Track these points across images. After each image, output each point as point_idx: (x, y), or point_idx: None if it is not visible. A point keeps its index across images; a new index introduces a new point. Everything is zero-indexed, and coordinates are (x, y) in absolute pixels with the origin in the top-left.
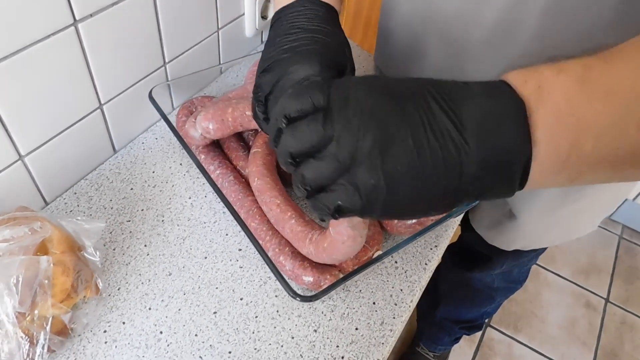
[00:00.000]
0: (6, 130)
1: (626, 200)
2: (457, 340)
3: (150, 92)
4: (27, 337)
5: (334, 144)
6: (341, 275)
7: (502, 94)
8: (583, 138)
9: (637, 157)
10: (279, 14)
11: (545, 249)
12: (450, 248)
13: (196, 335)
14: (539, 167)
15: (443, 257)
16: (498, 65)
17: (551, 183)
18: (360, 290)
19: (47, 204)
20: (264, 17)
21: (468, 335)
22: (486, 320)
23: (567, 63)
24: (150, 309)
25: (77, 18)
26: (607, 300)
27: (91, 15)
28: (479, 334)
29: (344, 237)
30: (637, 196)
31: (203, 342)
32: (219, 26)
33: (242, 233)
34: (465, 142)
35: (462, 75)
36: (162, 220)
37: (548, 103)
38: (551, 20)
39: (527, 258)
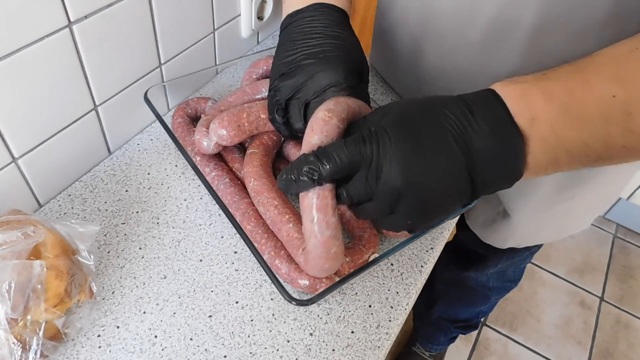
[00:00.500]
0: None
1: (620, 199)
2: (453, 339)
3: (146, 93)
4: (19, 343)
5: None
6: (337, 279)
7: (508, 131)
8: (559, 155)
9: (603, 159)
10: (293, 17)
11: (539, 248)
12: (446, 247)
13: (191, 339)
14: (526, 176)
15: (439, 257)
16: (493, 65)
17: (535, 177)
18: (356, 293)
19: (40, 206)
20: (260, 18)
21: (464, 334)
22: (482, 320)
23: (556, 87)
24: (145, 312)
25: (71, 20)
26: (601, 299)
27: (86, 17)
28: (475, 333)
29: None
30: (631, 195)
31: (198, 346)
32: (215, 27)
33: (238, 236)
34: (474, 172)
35: (457, 74)
36: (157, 223)
37: (537, 133)
38: (546, 20)
39: (521, 257)
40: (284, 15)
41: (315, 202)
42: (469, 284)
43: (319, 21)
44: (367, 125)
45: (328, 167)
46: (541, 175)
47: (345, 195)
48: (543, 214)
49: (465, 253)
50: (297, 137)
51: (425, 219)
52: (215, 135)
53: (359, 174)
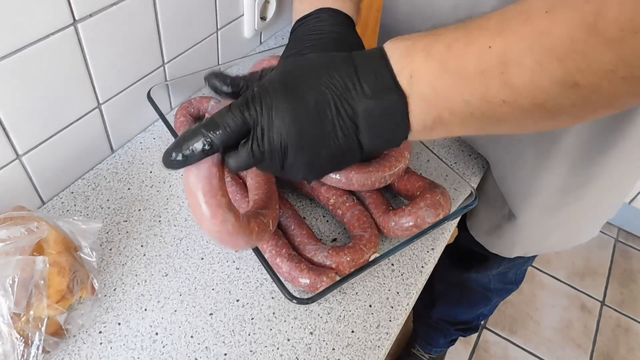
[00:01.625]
0: (4, 129)
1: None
2: (452, 342)
3: (149, 92)
4: (22, 338)
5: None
6: (338, 278)
7: (388, 93)
8: (442, 112)
9: (490, 120)
10: (301, 21)
11: None
12: (448, 249)
13: (192, 336)
14: (412, 136)
15: (440, 257)
16: None
17: (428, 138)
18: (356, 293)
19: (43, 203)
20: (263, 18)
21: (464, 336)
22: (482, 322)
23: (436, 43)
24: (146, 310)
25: (76, 18)
26: (602, 303)
27: (90, 15)
28: (475, 336)
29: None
30: (633, 199)
31: (199, 344)
32: (218, 27)
33: None
34: (359, 136)
35: None
36: (159, 221)
37: (417, 91)
38: None
39: (523, 259)
40: (293, 22)
41: (203, 175)
42: (469, 285)
43: (324, 22)
44: (252, 88)
45: (218, 134)
46: (434, 137)
47: (233, 161)
48: (550, 218)
49: (467, 254)
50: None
51: (315, 174)
52: None
53: (246, 140)
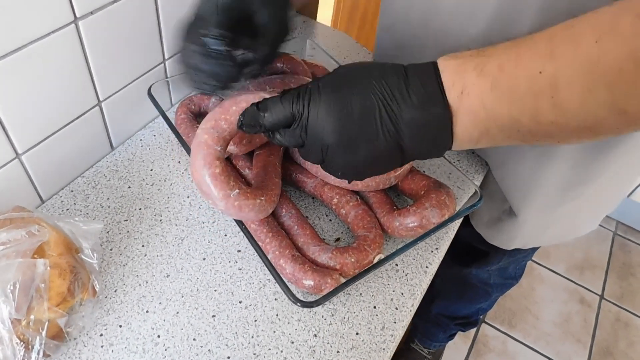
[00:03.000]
0: (3, 128)
1: None
2: (452, 336)
3: (150, 88)
4: (22, 343)
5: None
6: (342, 280)
7: (435, 104)
8: (490, 127)
9: (536, 136)
10: None
11: None
12: None
13: (194, 339)
14: (456, 147)
15: None
16: None
17: (470, 148)
18: (360, 294)
19: (43, 201)
20: None
21: (463, 331)
22: (481, 317)
23: (488, 63)
24: (147, 311)
25: (77, 16)
26: (601, 296)
27: (92, 13)
28: (474, 330)
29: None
30: (631, 193)
31: (201, 347)
32: None
33: (242, 234)
34: (401, 142)
35: None
36: (160, 220)
37: (466, 106)
38: (546, 17)
39: (523, 254)
40: None
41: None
42: (469, 280)
43: None
44: (307, 83)
45: (265, 117)
46: (477, 147)
47: (279, 138)
48: (550, 214)
49: (467, 250)
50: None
51: (354, 175)
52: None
53: (292, 127)
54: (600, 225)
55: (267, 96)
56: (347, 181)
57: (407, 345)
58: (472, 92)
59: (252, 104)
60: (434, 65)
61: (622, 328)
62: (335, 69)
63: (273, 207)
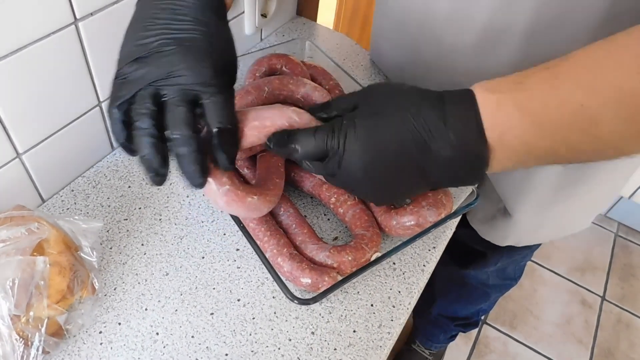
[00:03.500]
0: (4, 128)
1: (622, 198)
2: (453, 337)
3: None
4: (21, 339)
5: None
6: (339, 277)
7: (474, 145)
8: (528, 160)
9: (571, 161)
10: None
11: (539, 245)
12: (447, 244)
13: (193, 336)
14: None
15: None
16: (488, 67)
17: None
18: (358, 292)
19: (43, 201)
20: (263, 15)
21: (464, 332)
22: (482, 318)
23: (530, 99)
24: (146, 309)
25: (77, 17)
26: (603, 298)
27: (92, 14)
28: (475, 331)
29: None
30: (632, 194)
31: (200, 344)
32: None
33: (240, 233)
34: (434, 177)
35: (453, 75)
36: (160, 219)
37: (506, 144)
38: (538, 25)
39: (521, 255)
40: None
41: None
42: (468, 281)
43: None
44: (340, 118)
45: (296, 149)
46: (505, 171)
47: (309, 166)
48: (543, 213)
49: (465, 250)
50: (130, 149)
51: (379, 203)
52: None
53: (325, 161)
54: (601, 226)
55: (296, 117)
56: None
57: (408, 347)
58: (513, 133)
59: (283, 132)
60: (471, 98)
61: (624, 329)
62: (366, 94)
63: (269, 207)
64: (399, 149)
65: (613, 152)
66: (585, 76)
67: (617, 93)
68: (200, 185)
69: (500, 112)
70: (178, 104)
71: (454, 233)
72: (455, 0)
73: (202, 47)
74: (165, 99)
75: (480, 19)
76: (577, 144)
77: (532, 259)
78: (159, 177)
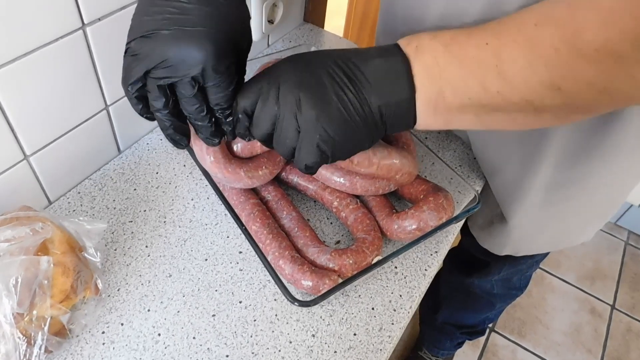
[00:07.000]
0: (12, 130)
1: (632, 206)
2: (459, 345)
3: None
4: (24, 338)
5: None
6: (340, 280)
7: (392, 54)
8: (444, 88)
9: (487, 108)
10: None
11: (545, 255)
12: (450, 253)
13: (194, 338)
14: (419, 109)
15: (444, 261)
16: None
17: (434, 124)
18: (359, 295)
19: (50, 203)
20: (270, 21)
21: (470, 340)
22: (490, 325)
23: (441, 33)
24: (149, 310)
25: (85, 22)
26: (613, 307)
27: (99, 19)
28: (483, 339)
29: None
30: None
31: (201, 345)
32: None
33: (243, 236)
34: (366, 96)
35: None
36: (164, 222)
37: (421, 59)
38: None
39: (526, 265)
40: None
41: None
42: (472, 290)
43: None
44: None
45: (239, 103)
46: (439, 125)
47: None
48: (538, 218)
49: (468, 259)
50: (150, 118)
51: (333, 150)
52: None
53: (262, 99)
54: (611, 234)
55: None
56: (343, 180)
57: (415, 354)
58: (426, 50)
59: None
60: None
61: (634, 339)
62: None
63: (255, 181)
64: (324, 73)
65: (522, 103)
66: (491, 27)
67: (518, 38)
68: (216, 144)
69: (414, 37)
70: (185, 87)
71: (459, 242)
72: None
73: (202, 31)
74: (175, 80)
75: (471, 18)
76: (486, 80)
77: (541, 266)
78: (181, 146)
